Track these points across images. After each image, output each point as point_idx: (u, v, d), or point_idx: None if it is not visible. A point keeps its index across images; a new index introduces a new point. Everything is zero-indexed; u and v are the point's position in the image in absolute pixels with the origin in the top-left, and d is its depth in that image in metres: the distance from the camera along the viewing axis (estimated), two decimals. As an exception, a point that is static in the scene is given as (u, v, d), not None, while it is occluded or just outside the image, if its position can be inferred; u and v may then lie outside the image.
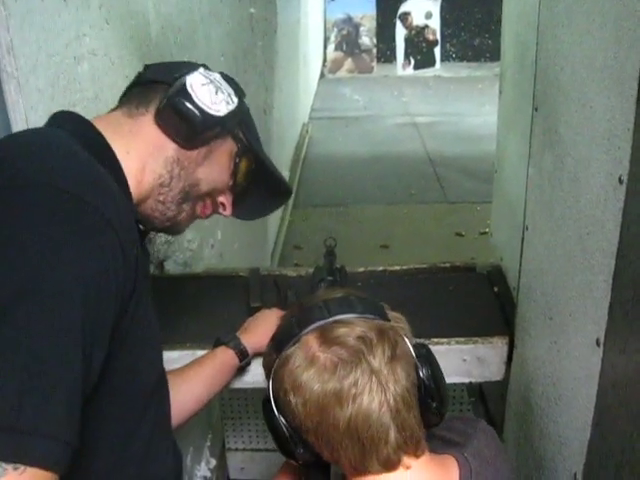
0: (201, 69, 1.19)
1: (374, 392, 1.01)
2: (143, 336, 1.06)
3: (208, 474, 2.63)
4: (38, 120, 1.31)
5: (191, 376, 1.46)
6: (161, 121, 1.13)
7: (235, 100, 1.20)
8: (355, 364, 1.01)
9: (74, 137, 1.05)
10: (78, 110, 1.47)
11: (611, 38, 1.05)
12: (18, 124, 1.27)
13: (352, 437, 1.02)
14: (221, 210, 1.30)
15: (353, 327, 1.04)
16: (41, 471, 0.75)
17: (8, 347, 0.78)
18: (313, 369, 1.02)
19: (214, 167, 1.21)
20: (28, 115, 1.28)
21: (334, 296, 1.12)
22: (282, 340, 1.09)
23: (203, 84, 1.16)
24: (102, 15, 1.61)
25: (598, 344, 1.14)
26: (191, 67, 1.20)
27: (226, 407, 2.62)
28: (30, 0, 1.30)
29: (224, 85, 1.20)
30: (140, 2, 1.91)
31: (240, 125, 1.24)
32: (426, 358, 1.10)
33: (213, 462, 2.69)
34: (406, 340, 1.08)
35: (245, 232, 3.68)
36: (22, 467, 0.74)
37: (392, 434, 1.02)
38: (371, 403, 1.01)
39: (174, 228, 1.25)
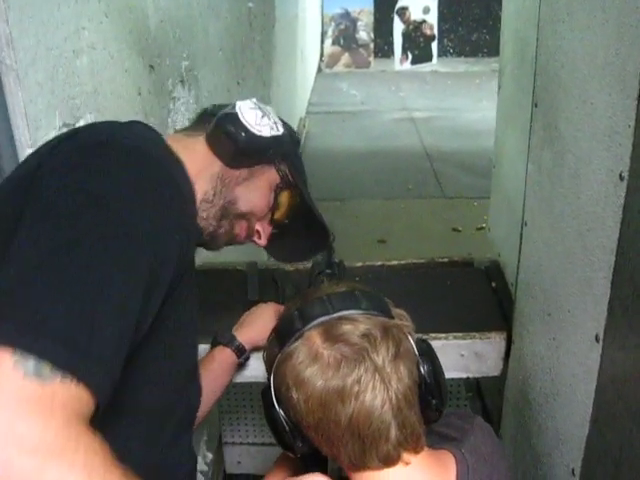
0: (253, 99, 1.29)
1: (377, 390, 1.01)
2: (182, 321, 1.13)
3: (205, 468, 2.63)
4: (37, 113, 1.30)
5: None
6: (210, 139, 1.24)
7: (280, 129, 1.28)
8: (359, 362, 1.01)
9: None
10: (77, 104, 1.47)
11: (613, 35, 1.04)
12: (17, 117, 1.27)
13: (353, 434, 1.02)
14: (256, 238, 1.36)
15: (357, 324, 1.04)
16: (85, 390, 0.76)
17: (81, 270, 0.83)
18: (316, 365, 1.02)
19: (252, 190, 1.28)
20: (27, 108, 1.28)
21: (338, 290, 1.12)
22: (285, 334, 1.08)
23: (251, 108, 1.25)
24: (101, 8, 1.60)
25: (597, 340, 1.14)
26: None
27: (223, 401, 2.62)
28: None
29: (272, 115, 1.28)
30: (139, -5, 1.90)
31: (285, 159, 1.32)
32: (428, 355, 1.11)
33: (210, 456, 2.69)
34: (409, 338, 1.08)
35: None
36: (70, 378, 0.75)
37: (393, 431, 1.02)
38: (373, 401, 1.01)
39: (212, 243, 1.32)
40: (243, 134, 1.21)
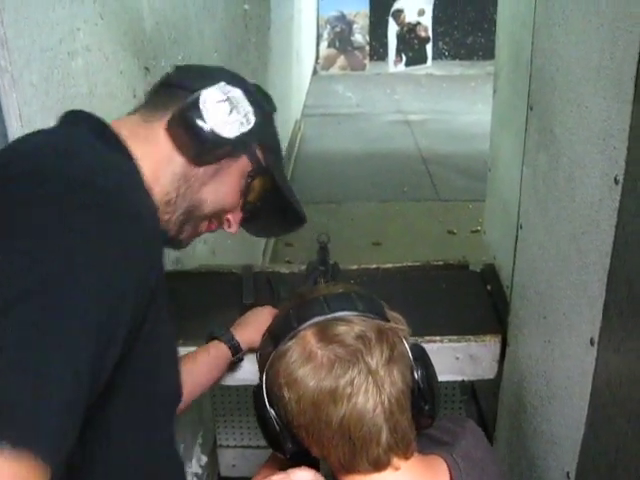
0: (222, 83, 1.13)
1: (369, 393, 1.01)
2: (161, 340, 1.02)
3: (199, 471, 2.62)
4: (32, 115, 1.30)
5: (185, 372, 1.46)
6: (171, 131, 1.10)
7: (252, 120, 1.14)
8: (352, 363, 1.01)
9: (92, 134, 1.02)
10: (73, 106, 1.46)
11: (607, 39, 1.05)
12: (12, 118, 1.26)
13: (344, 436, 1.02)
14: (225, 227, 1.26)
15: (353, 326, 1.04)
16: (35, 463, 0.68)
17: (23, 332, 0.72)
18: (309, 365, 1.02)
19: (220, 187, 1.16)
20: (22, 109, 1.27)
21: (335, 292, 1.12)
22: (279, 333, 1.08)
23: (218, 101, 1.10)
24: (96, 10, 1.60)
25: (592, 343, 1.14)
26: (218, 76, 1.15)
27: (217, 404, 2.61)
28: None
29: (242, 104, 1.13)
30: (134, -3, 1.90)
31: (260, 144, 1.19)
32: (422, 360, 1.10)
33: (204, 459, 2.68)
34: (404, 342, 1.08)
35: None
36: (16, 453, 0.66)
37: (384, 435, 1.02)
38: (366, 404, 1.01)
39: (175, 245, 1.20)
40: (208, 135, 1.08)
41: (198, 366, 1.48)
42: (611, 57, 1.04)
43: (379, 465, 1.04)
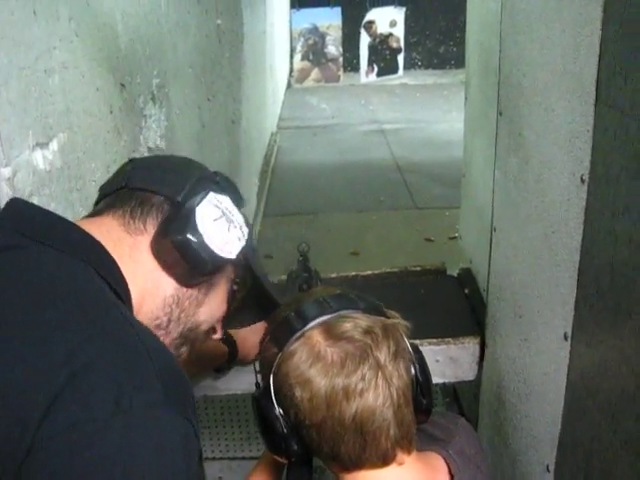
0: (210, 195, 0.99)
1: (380, 387, 1.02)
2: None
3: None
4: (11, 132, 1.31)
5: None
6: (160, 254, 0.95)
7: (246, 232, 1.03)
8: (363, 359, 1.02)
9: (91, 266, 0.89)
10: (50, 123, 1.48)
11: (570, 44, 1.09)
12: (-9, 137, 1.28)
13: (356, 431, 1.02)
14: (212, 334, 1.15)
15: (359, 322, 1.05)
16: None
17: None
18: (320, 364, 1.02)
19: (214, 303, 1.06)
20: (1, 127, 1.29)
21: (333, 293, 1.13)
22: (284, 335, 1.07)
23: (215, 219, 0.98)
24: (71, 28, 1.62)
25: (566, 338, 1.18)
26: (187, 173, 1.03)
27: (202, 416, 2.62)
28: (0, 12, 1.31)
29: (235, 216, 1.02)
30: (108, 15, 1.92)
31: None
32: (420, 357, 1.12)
33: (190, 472, 2.68)
34: (404, 337, 1.10)
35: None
36: None
37: (392, 429, 1.04)
38: (377, 398, 1.02)
39: None
40: (208, 259, 0.95)
41: (198, 355, 1.43)
42: (574, 61, 1.08)
43: (387, 459, 1.05)
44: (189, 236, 0.94)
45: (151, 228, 0.96)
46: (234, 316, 1.19)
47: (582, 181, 1.07)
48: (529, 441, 1.44)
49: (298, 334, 1.06)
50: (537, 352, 1.37)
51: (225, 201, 1.01)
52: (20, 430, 0.70)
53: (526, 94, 1.35)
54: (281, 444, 1.10)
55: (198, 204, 0.96)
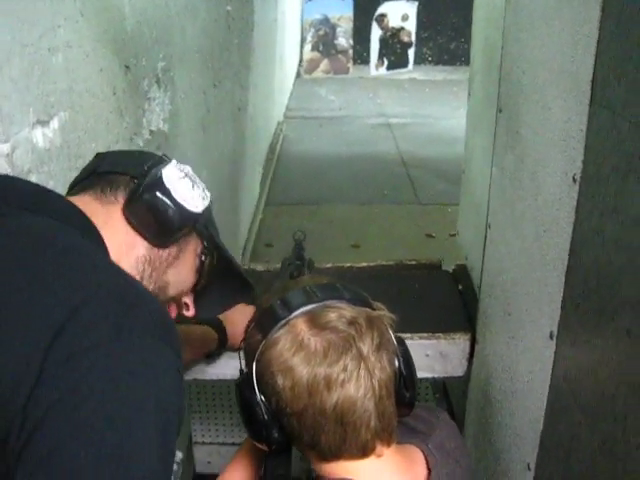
0: (173, 161, 1.10)
1: (362, 378, 1.03)
2: None
3: (175, 467, 2.64)
4: (11, 109, 1.32)
5: None
6: (131, 216, 1.04)
7: (209, 194, 1.13)
8: (346, 349, 1.03)
9: (72, 227, 0.98)
10: (51, 101, 1.49)
11: (568, 43, 1.09)
12: (-9, 112, 1.28)
13: (337, 421, 1.03)
14: (184, 311, 1.23)
15: (343, 312, 1.05)
16: None
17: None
18: (303, 353, 1.03)
19: (182, 269, 1.13)
20: (1, 104, 1.29)
21: (319, 282, 1.14)
22: (268, 322, 1.08)
23: (180, 178, 1.07)
24: (77, 7, 1.62)
25: (552, 337, 1.18)
26: (155, 158, 1.12)
27: (193, 401, 2.63)
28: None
29: (196, 178, 1.12)
30: (115, -5, 1.92)
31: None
32: (403, 349, 1.13)
33: (180, 455, 2.70)
34: (389, 330, 1.10)
35: (219, 231, 3.70)
36: None
37: (373, 420, 1.04)
38: (359, 389, 1.03)
39: None
40: (177, 213, 1.05)
41: (187, 340, 1.47)
42: (571, 60, 1.08)
43: (366, 450, 1.06)
44: (158, 193, 1.04)
45: (121, 198, 1.05)
46: (208, 297, 1.27)
47: (574, 180, 1.07)
48: (512, 439, 1.45)
49: (283, 322, 1.07)
50: (524, 350, 1.37)
51: (187, 168, 1.11)
52: (26, 362, 0.77)
53: (525, 92, 1.35)
54: (262, 431, 1.11)
55: (164, 167, 1.07)
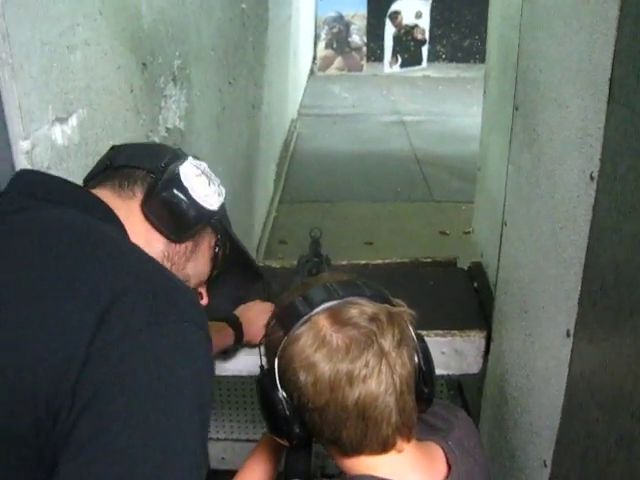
0: (190, 158, 1.13)
1: (383, 374, 1.03)
2: None
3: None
4: (31, 106, 1.33)
5: None
6: (150, 212, 1.07)
7: (224, 191, 1.16)
8: (368, 345, 1.03)
9: (98, 219, 1.01)
10: (70, 98, 1.50)
11: (585, 42, 1.09)
12: (11, 110, 1.30)
13: (358, 416, 1.04)
14: (199, 300, 1.22)
15: (365, 308, 1.06)
16: None
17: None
18: (325, 349, 1.04)
19: (200, 261, 1.17)
20: (21, 101, 1.31)
21: (340, 279, 1.14)
22: (290, 319, 1.09)
23: (197, 175, 1.10)
24: (95, 5, 1.64)
25: (568, 335, 1.18)
26: (171, 153, 1.15)
27: (208, 396, 2.64)
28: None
29: (212, 175, 1.15)
30: (133, -6, 1.94)
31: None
32: (423, 345, 1.14)
33: (194, 451, 2.71)
34: (409, 326, 1.11)
35: (232, 226, 3.71)
36: None
37: (394, 416, 1.05)
38: (380, 385, 1.03)
39: None
40: (194, 210, 1.08)
41: None
42: (589, 59, 1.08)
43: (387, 446, 1.07)
44: (175, 191, 1.07)
45: (139, 193, 1.08)
46: (220, 286, 1.30)
47: (591, 179, 1.07)
48: (528, 436, 1.45)
49: (304, 318, 1.07)
50: (540, 348, 1.38)
51: (203, 165, 1.14)
52: (75, 345, 0.82)
53: (542, 90, 1.35)
54: (283, 426, 1.12)
55: (181, 164, 1.10)
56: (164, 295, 0.91)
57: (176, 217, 1.08)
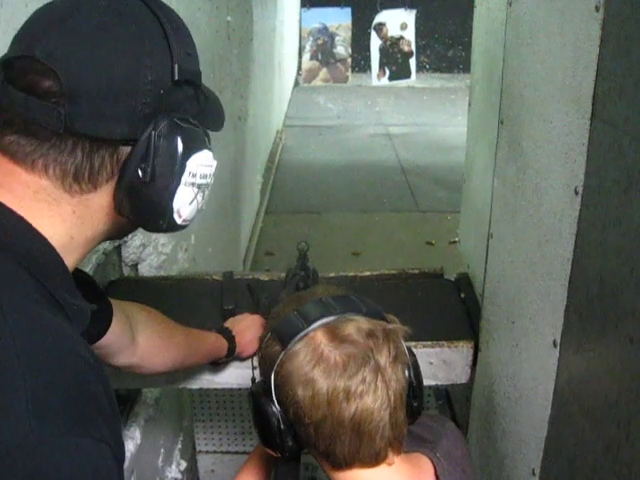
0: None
1: (379, 390, 1.05)
2: None
3: (179, 476, 2.66)
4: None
5: (187, 345, 1.49)
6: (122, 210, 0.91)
7: None
8: (365, 361, 1.05)
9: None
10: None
11: (570, 58, 1.11)
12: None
13: (353, 430, 1.05)
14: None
15: (361, 325, 1.08)
16: None
17: None
18: (323, 365, 1.05)
19: None
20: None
21: (334, 293, 1.16)
22: (287, 334, 1.10)
23: None
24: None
25: (555, 345, 1.20)
26: None
27: (197, 409, 2.65)
28: (15, 5, 1.34)
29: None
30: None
31: None
32: (414, 360, 1.16)
33: (184, 464, 2.71)
34: (402, 342, 1.13)
35: (218, 237, 3.72)
36: None
37: (387, 430, 1.07)
38: (376, 400, 1.05)
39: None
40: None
41: (200, 346, 1.52)
42: (573, 75, 1.11)
43: (379, 458, 1.09)
44: None
45: (109, 182, 0.90)
46: None
47: (576, 193, 1.09)
48: (516, 445, 1.47)
49: (302, 334, 1.08)
50: (527, 358, 1.40)
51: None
52: None
53: (527, 105, 1.38)
54: (276, 439, 1.13)
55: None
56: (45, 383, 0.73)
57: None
